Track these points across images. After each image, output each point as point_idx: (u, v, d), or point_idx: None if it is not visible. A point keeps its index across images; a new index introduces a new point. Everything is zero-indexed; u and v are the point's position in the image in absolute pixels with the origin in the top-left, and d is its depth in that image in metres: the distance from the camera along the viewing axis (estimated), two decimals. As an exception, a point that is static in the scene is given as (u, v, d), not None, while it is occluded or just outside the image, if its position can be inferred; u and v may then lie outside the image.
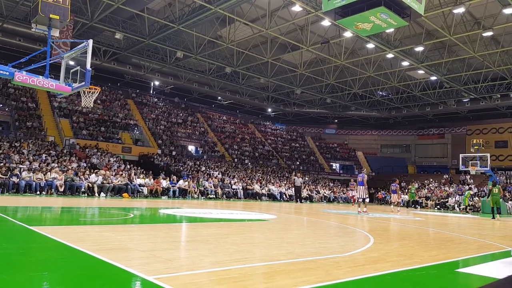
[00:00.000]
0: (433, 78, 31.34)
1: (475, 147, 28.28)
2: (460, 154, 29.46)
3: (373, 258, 5.08)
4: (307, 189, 30.93)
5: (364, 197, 16.53)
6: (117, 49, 29.09)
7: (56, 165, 20.31)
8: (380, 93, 38.60)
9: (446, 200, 29.09)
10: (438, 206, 28.56)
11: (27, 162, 19.43)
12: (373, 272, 4.22)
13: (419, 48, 25.69)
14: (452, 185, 33.42)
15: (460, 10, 20.31)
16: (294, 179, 25.24)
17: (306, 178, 34.56)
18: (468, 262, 5.45)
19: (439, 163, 46.03)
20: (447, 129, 46.41)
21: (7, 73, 8.50)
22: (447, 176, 37.57)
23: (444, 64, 28.87)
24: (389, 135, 50.18)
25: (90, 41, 8.97)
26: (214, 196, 24.18)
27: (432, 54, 27.79)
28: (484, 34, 23.05)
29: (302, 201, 26.12)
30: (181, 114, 39.98)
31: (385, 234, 8.54)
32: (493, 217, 16.82)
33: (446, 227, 11.49)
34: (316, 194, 30.96)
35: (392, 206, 21.06)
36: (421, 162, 47.81)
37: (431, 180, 36.49)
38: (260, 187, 27.99)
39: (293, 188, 26.42)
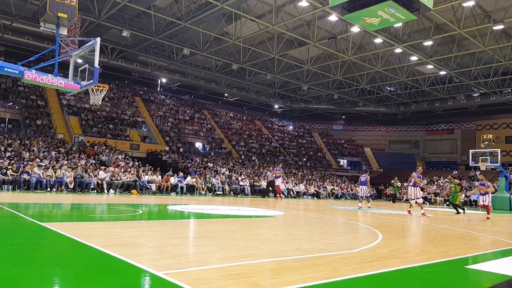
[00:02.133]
0: (442, 72, 31.01)
1: (485, 142, 27.92)
2: (470, 150, 29.12)
3: (382, 255, 5.07)
4: (314, 186, 30.88)
5: (368, 195, 18.36)
6: (125, 47, 29.23)
7: (65, 162, 20.52)
8: (388, 88, 38.31)
9: (462, 200, 28.81)
10: (447, 203, 28.33)
11: (37, 159, 19.65)
12: (382, 269, 4.21)
13: (428, 43, 25.42)
14: (461, 181, 33.11)
15: (470, 3, 20.04)
16: (266, 173, 24.92)
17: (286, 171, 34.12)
18: (479, 259, 5.40)
19: (448, 159, 45.65)
20: (456, 125, 45.96)
21: (17, 72, 8.58)
22: (456, 172, 37.24)
23: (454, 59, 28.54)
24: (398, 131, 49.85)
25: (98, 39, 9.02)
26: (222, 192, 24.26)
27: (441, 49, 27.48)
28: (495, 28, 22.74)
29: (277, 195, 22.95)
30: (188, 111, 40.09)
31: (393, 231, 8.50)
32: None
33: (456, 223, 11.40)
34: (323, 190, 30.90)
35: (359, 202, 18.37)
36: (430, 158, 47.45)
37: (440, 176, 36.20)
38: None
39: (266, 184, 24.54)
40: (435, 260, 4.92)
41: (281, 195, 22.16)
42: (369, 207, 17.77)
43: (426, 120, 47.80)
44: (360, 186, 18.24)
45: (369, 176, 18.27)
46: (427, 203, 28.51)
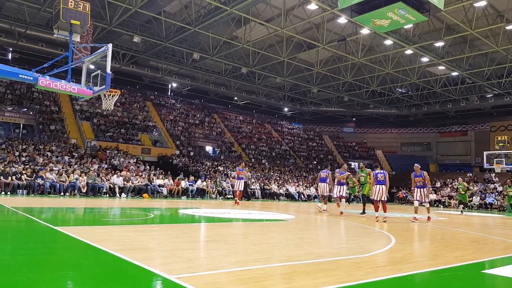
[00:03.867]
0: (455, 73, 30.65)
1: (499, 144, 27.49)
2: (484, 152, 28.70)
3: (395, 259, 5.01)
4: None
5: (326, 194, 14.90)
6: (136, 52, 29.54)
7: (78, 167, 20.76)
8: (399, 90, 37.98)
9: (470, 199, 28.42)
10: (462, 206, 27.92)
11: (51, 164, 19.93)
12: (395, 273, 4.16)
13: (439, 44, 25.16)
14: (476, 184, 32.62)
15: (481, 3, 19.78)
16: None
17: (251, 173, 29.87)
18: (495, 263, 5.30)
19: (462, 161, 44.97)
20: (470, 126, 45.29)
21: (31, 78, 8.74)
22: (470, 174, 36.67)
23: (466, 59, 28.19)
24: (410, 133, 49.33)
25: (110, 45, 9.14)
26: (232, 196, 24.25)
27: (453, 49, 27.17)
28: (508, 27, 22.41)
29: (251, 198, 22.58)
30: (198, 115, 40.30)
31: (407, 235, 8.40)
32: None
33: (471, 227, 11.23)
34: (334, 193, 30.65)
35: (319, 202, 16.85)
36: (443, 160, 46.82)
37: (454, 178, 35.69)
38: (278, 187, 27.94)
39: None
40: (451, 264, 4.84)
41: (237, 200, 17.16)
42: (324, 210, 14.35)
43: (438, 122, 47.21)
44: (320, 184, 15.26)
45: (330, 172, 15.09)
46: (441, 206, 28.13)
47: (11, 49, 29.42)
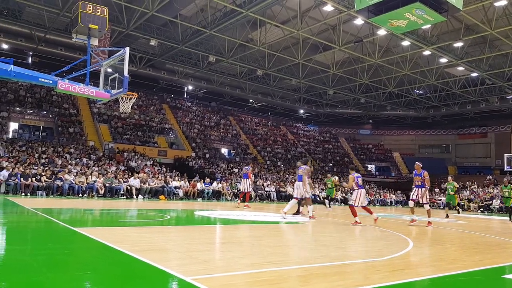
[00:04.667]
0: (474, 74, 30.05)
1: (520, 146, 26.81)
2: (505, 154, 28.03)
3: (413, 263, 4.93)
4: (341, 191, 30.42)
5: (299, 196, 12.27)
6: (152, 56, 29.91)
7: (96, 168, 21.11)
8: (417, 91, 37.42)
9: (490, 202, 27.79)
10: (482, 209, 27.33)
11: (70, 166, 20.31)
12: (413, 277, 4.09)
13: (458, 44, 24.72)
14: (496, 187, 31.87)
15: (502, 2, 19.39)
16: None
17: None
18: (516, 268, 5.16)
19: (481, 164, 44.01)
20: (489, 128, 44.30)
21: (51, 82, 8.92)
22: (490, 177, 35.89)
23: (486, 60, 27.60)
24: (428, 135, 48.53)
25: (127, 49, 9.27)
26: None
27: (472, 50, 26.65)
28: (529, 27, 21.88)
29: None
30: (214, 118, 40.52)
31: (424, 238, 8.26)
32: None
33: (491, 231, 10.97)
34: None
35: (238, 201, 15.71)
36: (462, 162, 45.91)
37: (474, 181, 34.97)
38: (293, 189, 27.80)
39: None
40: (469, 269, 4.73)
41: (247, 203, 15.87)
42: (284, 215, 10.76)
43: (457, 124, 46.33)
44: (243, 180, 13.91)
45: (308, 167, 11.76)
46: (460, 209, 27.55)
47: (31, 53, 30.15)
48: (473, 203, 28.70)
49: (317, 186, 30.32)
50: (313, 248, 6.01)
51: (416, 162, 11.58)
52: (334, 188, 19.95)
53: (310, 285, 3.57)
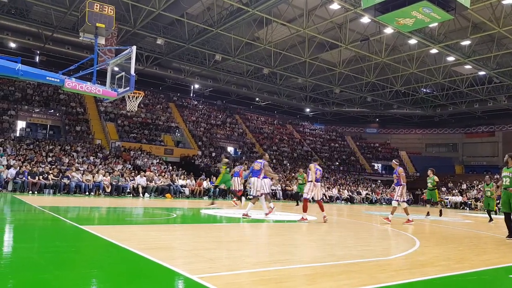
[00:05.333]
0: (482, 73, 29.77)
1: (529, 145, 26.52)
2: (513, 153, 27.71)
3: (420, 262, 4.90)
4: (347, 190, 30.35)
5: (239, 189, 13.37)
6: (159, 54, 30.00)
7: (102, 167, 21.23)
8: (424, 90, 37.17)
9: (498, 201, 27.54)
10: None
11: (77, 164, 20.46)
12: (420, 277, 4.06)
13: (466, 42, 24.49)
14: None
15: (510, 1, 19.17)
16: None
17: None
18: (524, 268, 5.11)
19: (489, 163, 43.60)
20: (497, 127, 43.89)
21: (58, 80, 8.98)
22: (498, 176, 35.51)
23: (493, 58, 27.32)
24: (435, 134, 48.20)
25: (134, 48, 9.30)
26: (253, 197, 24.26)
27: (480, 48, 26.39)
28: (538, 25, 21.61)
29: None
30: (220, 116, 40.56)
31: (431, 237, 8.21)
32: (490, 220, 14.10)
33: (498, 230, 10.86)
34: (357, 195, 30.32)
35: (234, 198, 15.28)
36: (470, 161, 45.54)
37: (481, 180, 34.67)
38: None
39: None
40: (477, 268, 4.70)
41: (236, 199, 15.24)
42: (246, 214, 9.94)
43: (464, 122, 45.96)
44: (234, 178, 13.85)
45: (266, 162, 10.71)
46: (467, 208, 27.37)
47: (38, 52, 30.36)
48: (480, 202, 28.45)
49: (323, 184, 30.25)
50: (319, 247, 6.00)
51: (393, 160, 11.27)
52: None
53: (316, 284, 3.57)
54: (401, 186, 10.71)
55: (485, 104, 38.15)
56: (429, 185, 14.72)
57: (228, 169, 14.89)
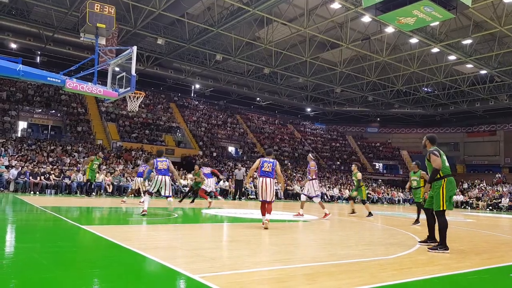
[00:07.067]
0: (483, 72, 29.72)
1: (530, 144, 26.50)
2: (514, 152, 27.72)
3: (421, 261, 4.90)
4: (349, 190, 30.32)
5: (212, 189, 13.66)
6: (159, 54, 30.01)
7: (104, 167, 21.26)
8: (425, 89, 37.13)
9: (499, 200, 27.53)
10: (490, 207, 27.10)
11: (78, 165, 20.48)
12: (421, 276, 4.07)
13: (467, 41, 24.46)
14: (505, 185, 31.56)
15: (511, -1, 19.15)
16: (235, 172, 21.74)
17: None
18: (525, 267, 5.10)
19: (490, 162, 43.57)
20: (499, 126, 43.83)
21: (59, 81, 8.99)
22: (499, 175, 35.52)
23: (495, 57, 27.27)
24: (436, 133, 47.44)
25: (135, 48, 9.31)
26: (255, 196, 24.29)
27: (481, 47, 26.35)
28: (539, 24, 21.57)
29: (242, 198, 22.39)
30: (221, 116, 40.58)
31: (432, 236, 8.19)
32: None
33: (499, 229, 10.87)
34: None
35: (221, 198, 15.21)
36: (471, 160, 45.49)
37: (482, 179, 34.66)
38: (300, 187, 27.77)
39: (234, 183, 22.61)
40: (478, 267, 4.70)
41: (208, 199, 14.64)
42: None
43: (466, 122, 45.89)
44: (208, 179, 14.13)
45: (277, 163, 9.17)
46: (468, 207, 27.36)
47: (39, 52, 30.42)
48: (481, 201, 28.44)
49: (324, 184, 30.25)
50: (320, 246, 6.01)
51: (309, 154, 11.20)
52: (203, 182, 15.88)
53: (317, 283, 3.57)
54: (313, 181, 10.86)
55: (486, 103, 38.08)
56: (355, 181, 13.28)
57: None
